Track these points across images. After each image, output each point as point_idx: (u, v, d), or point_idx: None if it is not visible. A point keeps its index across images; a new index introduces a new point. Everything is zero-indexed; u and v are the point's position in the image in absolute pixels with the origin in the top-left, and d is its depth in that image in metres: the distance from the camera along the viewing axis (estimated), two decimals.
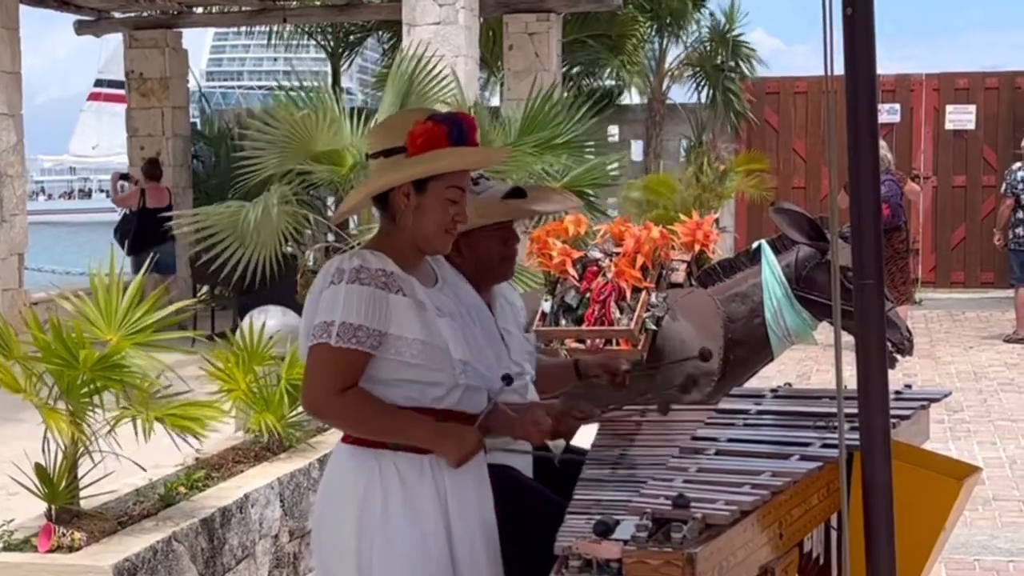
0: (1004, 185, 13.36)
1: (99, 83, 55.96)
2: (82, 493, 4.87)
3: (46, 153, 76.22)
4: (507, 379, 3.33)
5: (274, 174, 9.23)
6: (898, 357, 5.79)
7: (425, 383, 3.19)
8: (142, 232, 13.95)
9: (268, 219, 8.65)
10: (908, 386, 4.17)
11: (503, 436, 3.41)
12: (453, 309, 3.28)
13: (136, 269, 10.92)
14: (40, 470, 4.74)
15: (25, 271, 12.78)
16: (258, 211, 8.65)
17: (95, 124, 58.64)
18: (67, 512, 4.72)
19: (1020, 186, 13.03)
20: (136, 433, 4.85)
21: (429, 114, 3.28)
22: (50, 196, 71.50)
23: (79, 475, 4.86)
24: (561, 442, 3.93)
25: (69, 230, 42.86)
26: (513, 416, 3.37)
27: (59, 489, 4.74)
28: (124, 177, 15.26)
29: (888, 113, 16.82)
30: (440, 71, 9.80)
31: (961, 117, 17.41)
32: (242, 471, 5.74)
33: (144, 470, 5.28)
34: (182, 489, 5.30)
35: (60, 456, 4.77)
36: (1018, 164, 13.32)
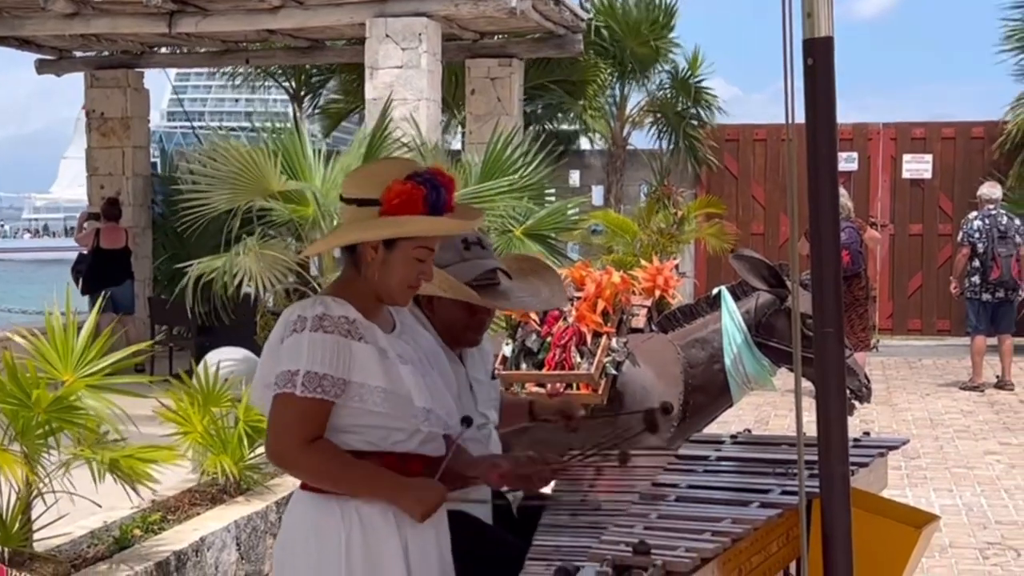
0: (961, 234, 13.48)
1: None
2: (36, 535, 4.81)
3: (38, 191, 76.42)
4: (467, 421, 3.32)
5: (229, 211, 9.14)
6: (856, 404, 5.83)
7: (387, 428, 3.16)
8: (96, 272, 13.86)
9: (250, 259, 8.62)
10: (866, 434, 4.19)
11: (463, 479, 3.38)
12: (413, 356, 3.26)
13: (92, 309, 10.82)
14: None
15: None
16: (231, 256, 8.63)
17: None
18: (20, 555, 4.66)
19: (976, 235, 13.16)
20: (92, 476, 4.80)
21: (410, 171, 3.17)
22: (38, 233, 71.67)
23: (33, 517, 4.80)
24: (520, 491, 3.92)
25: (58, 267, 42.56)
26: (474, 457, 3.37)
27: (12, 531, 4.68)
28: (94, 216, 15.16)
29: (846, 161, 16.96)
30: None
31: (918, 166, 17.56)
32: (198, 513, 5.68)
33: (100, 507, 5.22)
34: (137, 532, 5.25)
35: (13, 498, 4.71)
36: (974, 213, 13.45)
